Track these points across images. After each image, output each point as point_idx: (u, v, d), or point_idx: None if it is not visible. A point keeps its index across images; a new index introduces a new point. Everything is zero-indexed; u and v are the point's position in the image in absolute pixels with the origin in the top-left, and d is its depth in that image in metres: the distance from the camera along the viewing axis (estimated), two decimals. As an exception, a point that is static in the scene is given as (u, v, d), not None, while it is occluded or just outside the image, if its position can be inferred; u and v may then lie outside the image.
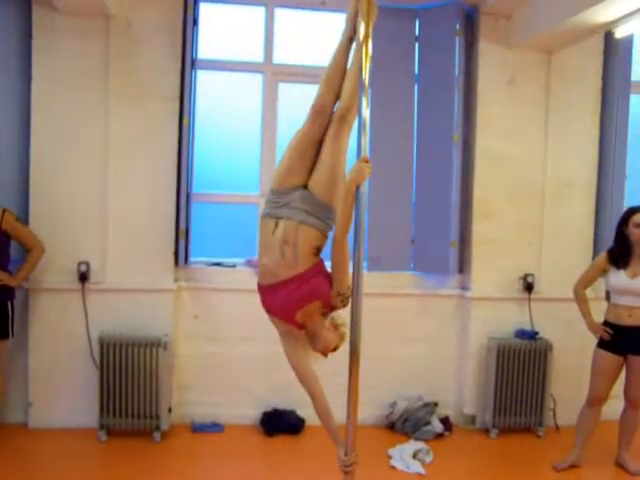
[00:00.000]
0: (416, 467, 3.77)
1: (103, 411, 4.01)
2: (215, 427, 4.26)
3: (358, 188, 2.22)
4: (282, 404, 4.32)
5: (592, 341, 3.83)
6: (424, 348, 4.50)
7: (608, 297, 3.94)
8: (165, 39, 4.14)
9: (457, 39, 4.31)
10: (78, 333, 4.12)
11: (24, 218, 3.99)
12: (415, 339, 4.47)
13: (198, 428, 4.23)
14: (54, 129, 4.07)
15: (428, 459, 3.90)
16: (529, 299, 4.44)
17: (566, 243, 4.50)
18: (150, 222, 4.20)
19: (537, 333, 4.37)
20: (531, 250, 4.48)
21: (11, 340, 3.88)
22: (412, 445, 4.02)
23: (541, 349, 4.32)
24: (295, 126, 2.48)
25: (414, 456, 3.89)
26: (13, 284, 3.79)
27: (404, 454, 3.89)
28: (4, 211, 3.73)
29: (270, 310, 2.43)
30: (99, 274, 4.16)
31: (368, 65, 2.24)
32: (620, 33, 4.03)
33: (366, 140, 2.26)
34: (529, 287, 4.44)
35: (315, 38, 4.43)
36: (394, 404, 4.38)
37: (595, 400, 3.78)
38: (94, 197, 4.15)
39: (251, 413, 4.34)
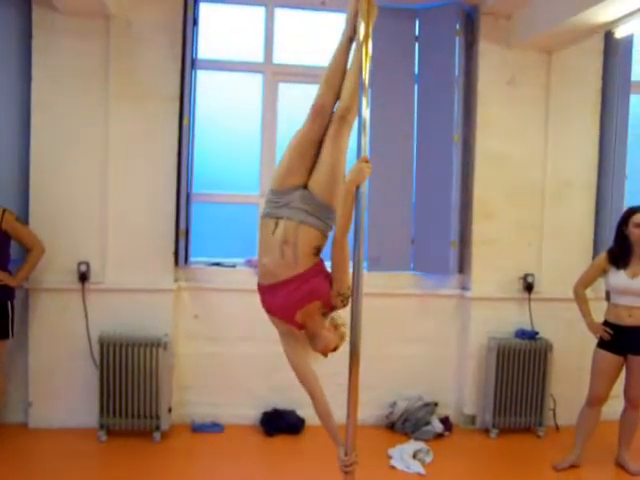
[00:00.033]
0: (416, 467, 3.77)
1: (103, 411, 4.01)
2: (215, 427, 4.26)
3: (358, 188, 2.22)
4: (282, 404, 4.32)
5: (592, 341, 3.83)
6: (424, 348, 4.50)
7: (608, 297, 3.94)
8: (165, 39, 4.14)
9: (457, 39, 4.31)
10: (78, 333, 4.12)
11: (24, 218, 3.99)
12: (415, 339, 4.47)
13: (198, 428, 4.23)
14: (54, 129, 4.07)
15: (428, 459, 3.90)
16: (529, 299, 4.45)
17: (566, 243, 4.50)
18: (150, 222, 4.20)
19: (537, 333, 4.37)
20: (531, 250, 4.48)
21: (11, 340, 3.88)
22: (412, 445, 4.02)
23: (541, 349, 4.32)
24: (295, 126, 2.48)
25: (414, 456, 3.89)
26: (13, 284, 3.79)
27: (404, 454, 3.89)
28: (4, 211, 3.73)
29: (270, 310, 2.43)
30: (99, 274, 4.16)
31: (368, 65, 2.24)
32: (620, 33, 4.03)
33: (366, 140, 2.26)
34: (529, 287, 4.44)
35: (315, 38, 4.43)
36: (394, 404, 4.38)
37: (595, 400, 3.78)
38: (94, 197, 4.15)
39: (251, 413, 4.34)
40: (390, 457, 3.91)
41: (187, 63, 4.10)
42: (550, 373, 4.33)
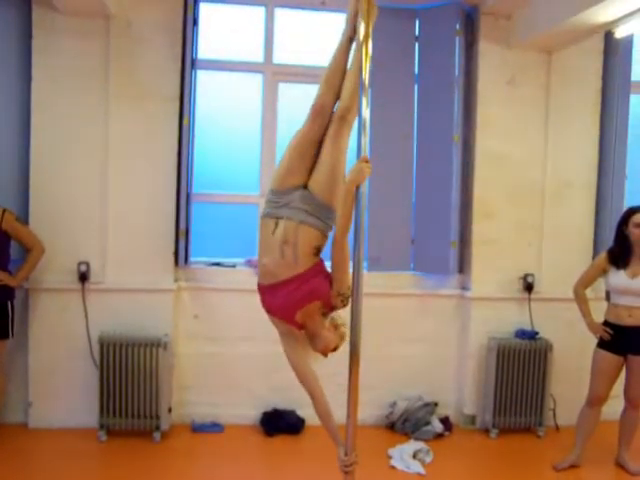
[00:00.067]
0: (416, 467, 3.77)
1: (103, 411, 4.01)
2: (215, 427, 4.26)
3: (358, 188, 2.22)
4: (282, 404, 4.32)
5: (592, 341, 3.83)
6: (424, 348, 4.50)
7: (608, 297, 3.93)
8: (165, 39, 4.14)
9: (457, 39, 4.31)
10: (78, 333, 4.12)
11: (24, 218, 3.99)
12: (415, 339, 4.47)
13: (198, 428, 4.23)
14: (54, 129, 4.07)
15: (428, 459, 3.90)
16: (529, 299, 4.44)
17: (566, 243, 4.50)
18: (150, 222, 4.20)
19: (537, 333, 4.37)
20: (531, 250, 4.48)
21: (11, 340, 3.88)
22: (412, 445, 4.02)
23: (541, 349, 4.32)
24: (295, 126, 2.48)
25: (414, 456, 3.89)
26: (13, 284, 3.79)
27: (404, 454, 3.89)
28: (4, 211, 3.73)
29: (270, 310, 2.43)
30: (99, 274, 4.16)
31: (368, 65, 2.24)
32: (620, 33, 4.02)
33: (366, 140, 2.26)
34: (529, 287, 4.44)
35: (315, 38, 4.43)
36: (394, 404, 4.38)
37: (595, 400, 3.78)
38: (94, 197, 4.15)
39: (251, 413, 4.34)
40: (390, 457, 3.91)
41: (187, 63, 4.10)
42: (550, 373, 4.33)
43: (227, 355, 4.33)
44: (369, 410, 4.25)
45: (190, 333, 4.32)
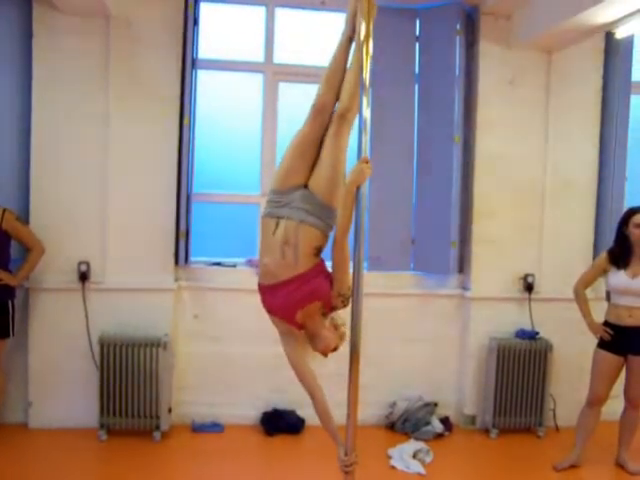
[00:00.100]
0: (416, 467, 3.77)
1: (103, 411, 4.01)
2: (215, 427, 4.26)
3: (358, 188, 2.22)
4: (282, 404, 4.32)
5: (592, 341, 3.83)
6: (424, 348, 4.50)
7: (608, 297, 3.93)
8: (165, 39, 4.14)
9: (457, 39, 4.31)
10: (78, 333, 4.12)
11: (24, 218, 3.99)
12: (415, 339, 4.47)
13: (198, 428, 4.23)
14: (54, 129, 4.07)
15: (428, 459, 3.90)
16: (529, 299, 4.44)
17: (566, 243, 4.50)
18: (150, 222, 4.20)
19: (537, 333, 4.37)
20: (531, 250, 4.48)
21: (11, 339, 3.89)
22: (412, 445, 4.02)
23: (541, 349, 4.32)
24: (295, 126, 2.48)
25: (414, 456, 3.89)
26: (13, 283, 3.79)
27: (404, 454, 3.89)
28: (4, 211, 3.74)
29: (270, 310, 2.43)
30: (99, 274, 4.16)
31: (369, 65, 2.24)
32: (620, 34, 4.02)
33: (366, 140, 2.26)
34: (529, 287, 4.44)
35: (315, 38, 4.43)
36: (394, 404, 4.38)
37: (595, 400, 3.78)
38: (94, 197, 4.15)
39: (251, 413, 4.34)
40: (390, 457, 3.91)
41: (187, 63, 4.10)
42: (550, 373, 4.33)
43: (227, 355, 4.33)
44: (369, 410, 4.24)
45: (190, 333, 4.32)
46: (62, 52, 4.04)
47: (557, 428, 4.44)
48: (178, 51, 4.13)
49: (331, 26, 4.20)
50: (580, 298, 3.86)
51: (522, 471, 3.86)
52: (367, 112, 2.25)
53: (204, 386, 4.33)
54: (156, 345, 4.04)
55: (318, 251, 2.38)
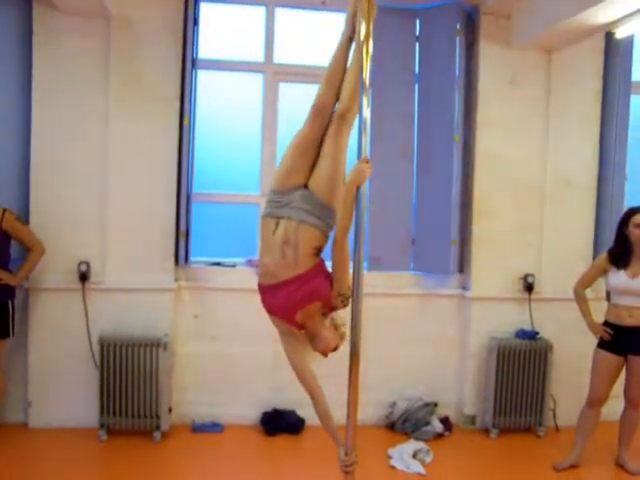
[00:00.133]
0: (416, 467, 3.78)
1: (103, 411, 4.01)
2: (215, 427, 4.26)
3: (358, 188, 2.22)
4: (282, 404, 4.32)
5: (592, 341, 3.83)
6: (424, 348, 4.49)
7: (608, 297, 3.93)
8: (165, 39, 4.13)
9: (457, 39, 4.31)
10: (78, 333, 4.12)
11: (24, 218, 3.99)
12: (415, 339, 4.47)
13: (198, 428, 4.23)
14: (54, 128, 4.07)
15: (428, 459, 3.90)
16: (529, 299, 4.44)
17: (566, 243, 4.50)
18: (150, 222, 4.19)
19: (537, 333, 4.37)
20: (531, 250, 4.48)
21: (11, 339, 3.88)
22: (412, 445, 4.02)
23: (541, 349, 4.32)
24: (295, 126, 2.48)
25: (414, 456, 3.89)
26: (13, 283, 3.79)
27: (404, 454, 3.89)
28: (4, 211, 3.74)
29: (270, 310, 2.43)
30: (99, 274, 4.16)
31: (369, 64, 2.24)
32: (621, 34, 4.02)
33: (366, 140, 2.26)
34: (529, 287, 4.44)
35: (315, 38, 4.43)
36: (394, 404, 4.38)
37: (595, 400, 3.78)
38: (94, 197, 4.15)
39: (251, 413, 4.34)
40: (390, 457, 3.91)
41: (187, 63, 4.10)
42: (550, 373, 4.33)
43: (227, 355, 4.33)
44: (369, 410, 4.24)
45: (190, 333, 4.32)
46: (62, 52, 4.04)
47: (557, 428, 4.44)
48: (178, 51, 4.13)
49: (331, 26, 4.20)
50: (580, 298, 3.86)
51: (522, 471, 3.86)
52: (367, 112, 2.24)
53: (204, 386, 4.33)
54: (156, 345, 4.03)
55: (318, 251, 2.38)
